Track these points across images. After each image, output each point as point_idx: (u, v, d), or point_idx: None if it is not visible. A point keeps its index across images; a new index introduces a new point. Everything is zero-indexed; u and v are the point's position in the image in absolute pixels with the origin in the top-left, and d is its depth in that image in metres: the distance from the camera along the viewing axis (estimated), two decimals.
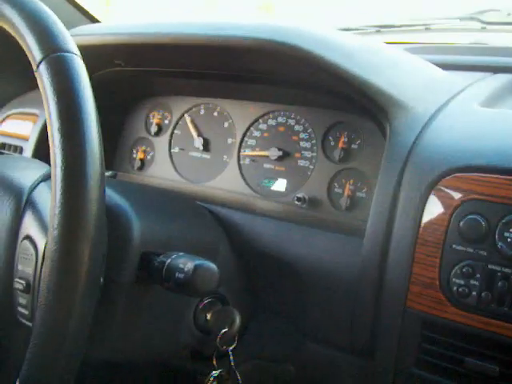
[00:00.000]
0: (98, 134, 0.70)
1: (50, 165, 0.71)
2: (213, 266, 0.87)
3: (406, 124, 0.98)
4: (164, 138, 1.43)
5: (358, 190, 1.12)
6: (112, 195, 0.97)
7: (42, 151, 1.43)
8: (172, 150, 1.41)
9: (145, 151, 1.47)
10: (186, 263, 0.85)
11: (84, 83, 0.69)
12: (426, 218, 0.90)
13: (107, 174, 1.16)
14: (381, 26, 1.70)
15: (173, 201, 1.13)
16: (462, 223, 0.86)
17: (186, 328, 1.04)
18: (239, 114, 1.31)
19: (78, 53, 0.72)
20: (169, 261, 0.87)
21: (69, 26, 1.31)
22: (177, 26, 1.15)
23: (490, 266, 0.84)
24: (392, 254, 0.93)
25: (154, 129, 1.45)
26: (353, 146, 1.14)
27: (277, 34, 1.02)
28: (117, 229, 0.92)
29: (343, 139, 1.15)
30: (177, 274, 0.85)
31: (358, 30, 1.68)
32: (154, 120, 1.46)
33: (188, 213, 1.11)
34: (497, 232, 0.84)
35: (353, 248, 0.99)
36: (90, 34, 1.24)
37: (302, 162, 1.20)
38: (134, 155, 1.49)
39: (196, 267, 0.84)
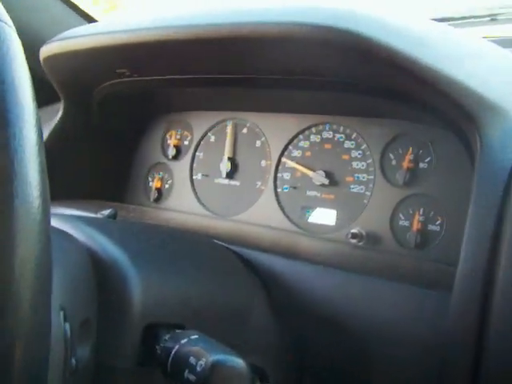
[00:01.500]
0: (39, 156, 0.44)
1: None
2: (239, 362, 0.61)
3: (502, 135, 0.76)
4: (184, 163, 1.29)
5: (430, 222, 0.96)
6: (106, 245, 0.75)
7: None
8: (194, 177, 1.27)
9: (162, 179, 1.33)
10: (200, 357, 0.59)
11: (15, 61, 0.44)
12: None
13: (105, 212, 0.93)
14: (436, 20, 1.47)
15: (190, 246, 0.91)
16: None
17: None
18: (274, 129, 1.16)
19: (10, 22, 0.48)
20: (176, 348, 0.62)
21: (63, 27, 1.14)
22: (190, 16, 0.94)
23: None
24: (497, 314, 0.69)
25: (171, 152, 1.31)
26: (421, 166, 0.99)
27: (322, 17, 0.81)
28: (111, 293, 0.71)
29: (408, 157, 0.99)
30: (186, 374, 0.60)
31: None
32: (172, 141, 1.32)
33: (210, 262, 0.89)
34: None
35: (433, 303, 0.80)
36: (82, 35, 1.04)
37: (355, 188, 1.05)
38: (150, 184, 1.35)
39: (214, 367, 0.59)
